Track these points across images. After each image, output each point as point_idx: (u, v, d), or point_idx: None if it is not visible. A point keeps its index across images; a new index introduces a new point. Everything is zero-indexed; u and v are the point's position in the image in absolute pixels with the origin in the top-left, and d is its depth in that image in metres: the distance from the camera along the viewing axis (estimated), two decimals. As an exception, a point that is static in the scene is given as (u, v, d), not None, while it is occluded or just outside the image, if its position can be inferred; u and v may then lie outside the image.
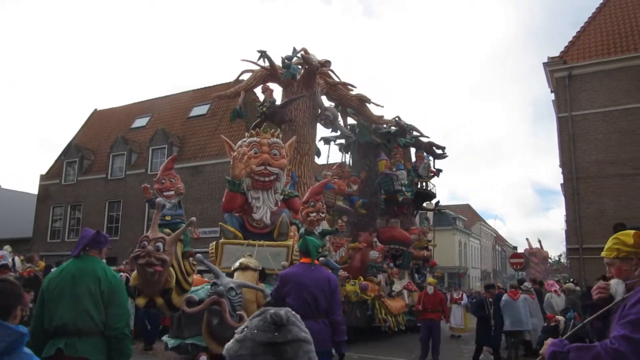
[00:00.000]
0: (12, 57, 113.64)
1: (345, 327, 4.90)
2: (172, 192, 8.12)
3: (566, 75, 18.29)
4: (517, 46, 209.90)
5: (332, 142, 18.84)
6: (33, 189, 31.93)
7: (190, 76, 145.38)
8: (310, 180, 13.81)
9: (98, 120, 33.23)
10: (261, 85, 15.06)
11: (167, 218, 6.99)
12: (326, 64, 15.20)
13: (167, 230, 6.60)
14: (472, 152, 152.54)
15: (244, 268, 5.60)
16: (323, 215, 11.51)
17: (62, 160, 30.55)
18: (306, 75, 14.40)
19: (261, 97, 16.14)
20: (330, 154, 36.86)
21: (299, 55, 14.56)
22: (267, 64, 14.17)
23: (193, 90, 30.27)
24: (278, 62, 14.49)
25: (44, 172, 31.20)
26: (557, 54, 19.45)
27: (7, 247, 11.41)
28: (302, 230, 8.84)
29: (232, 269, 5.67)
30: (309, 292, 4.59)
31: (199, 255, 5.51)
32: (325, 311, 4.67)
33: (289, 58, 14.37)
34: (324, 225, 14.98)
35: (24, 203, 31.58)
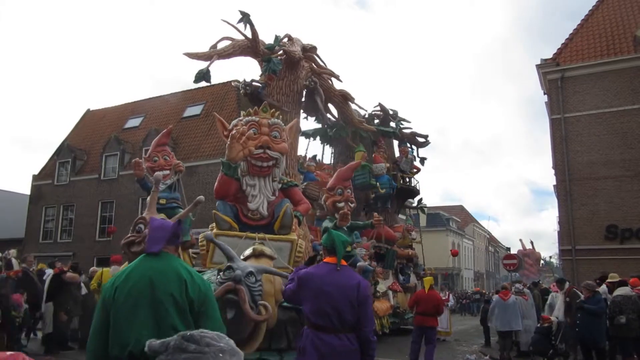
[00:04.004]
0: (4, 56, 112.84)
1: (375, 344, 4.02)
2: (168, 172, 7.30)
3: (559, 77, 18.35)
4: (514, 44, 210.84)
5: (311, 138, 18.50)
6: (25, 189, 31.73)
7: (184, 76, 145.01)
8: (293, 170, 12.76)
9: (91, 121, 33.03)
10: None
11: (162, 202, 6.18)
12: (312, 49, 14.36)
13: (162, 215, 6.12)
14: (467, 151, 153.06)
15: (257, 255, 4.81)
16: (352, 206, 9.86)
17: (55, 160, 30.33)
18: (289, 61, 13.42)
19: (240, 78, 15.03)
20: (309, 148, 36.58)
21: (283, 41, 13.52)
22: (249, 33, 12.78)
23: (186, 90, 30.11)
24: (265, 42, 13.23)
25: (36, 173, 30.96)
26: (553, 53, 19.55)
27: (13, 252, 10.65)
28: (326, 223, 7.89)
29: (243, 256, 4.81)
30: (331, 301, 3.80)
31: (208, 233, 4.72)
32: (351, 325, 3.84)
33: (271, 47, 13.28)
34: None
35: (16, 203, 31.28)
